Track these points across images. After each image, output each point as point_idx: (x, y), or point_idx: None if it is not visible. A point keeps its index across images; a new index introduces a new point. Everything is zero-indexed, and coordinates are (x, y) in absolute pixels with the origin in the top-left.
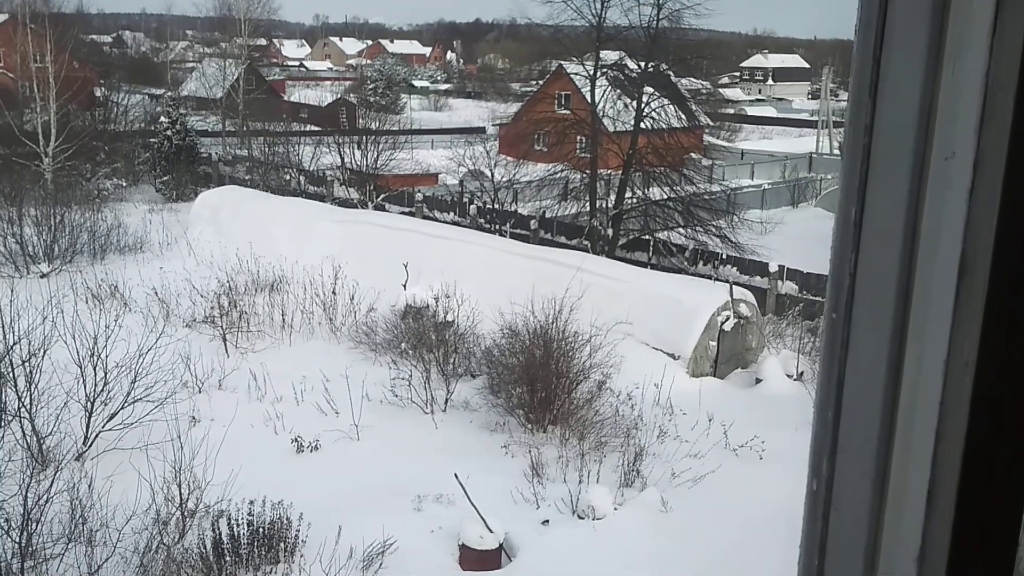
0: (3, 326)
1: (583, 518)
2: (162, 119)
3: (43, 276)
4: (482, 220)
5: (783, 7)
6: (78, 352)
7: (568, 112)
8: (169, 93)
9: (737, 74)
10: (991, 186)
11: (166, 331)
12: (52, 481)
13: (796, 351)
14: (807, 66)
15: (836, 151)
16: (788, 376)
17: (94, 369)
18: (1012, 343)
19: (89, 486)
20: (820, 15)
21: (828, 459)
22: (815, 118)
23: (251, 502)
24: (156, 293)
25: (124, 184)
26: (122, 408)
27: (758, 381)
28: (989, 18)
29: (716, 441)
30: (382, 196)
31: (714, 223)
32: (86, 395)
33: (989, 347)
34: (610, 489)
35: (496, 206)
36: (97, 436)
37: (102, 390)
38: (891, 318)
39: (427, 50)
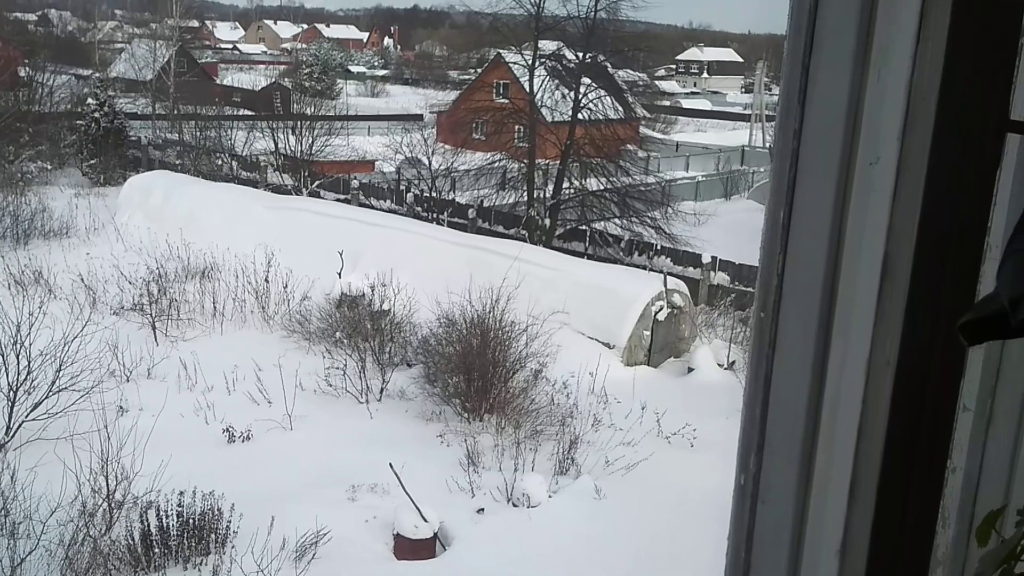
0: None
1: (518, 506)
2: (89, 101)
3: None
4: (419, 208)
5: (718, 1)
6: None
7: (506, 101)
8: (97, 74)
9: (673, 67)
10: (913, 191)
11: (93, 319)
12: None
13: (728, 341)
14: (741, 60)
15: (768, 144)
16: (719, 365)
17: (16, 357)
18: (932, 343)
19: (11, 477)
20: (754, 10)
21: (755, 454)
22: (748, 112)
23: (181, 493)
24: (82, 280)
25: (49, 167)
26: (46, 397)
27: (690, 370)
28: (913, 27)
29: (649, 429)
30: (317, 183)
31: (649, 214)
32: (8, 384)
33: (910, 347)
34: (545, 477)
35: (434, 194)
36: (20, 426)
37: (25, 379)
38: (817, 318)
39: (364, 35)
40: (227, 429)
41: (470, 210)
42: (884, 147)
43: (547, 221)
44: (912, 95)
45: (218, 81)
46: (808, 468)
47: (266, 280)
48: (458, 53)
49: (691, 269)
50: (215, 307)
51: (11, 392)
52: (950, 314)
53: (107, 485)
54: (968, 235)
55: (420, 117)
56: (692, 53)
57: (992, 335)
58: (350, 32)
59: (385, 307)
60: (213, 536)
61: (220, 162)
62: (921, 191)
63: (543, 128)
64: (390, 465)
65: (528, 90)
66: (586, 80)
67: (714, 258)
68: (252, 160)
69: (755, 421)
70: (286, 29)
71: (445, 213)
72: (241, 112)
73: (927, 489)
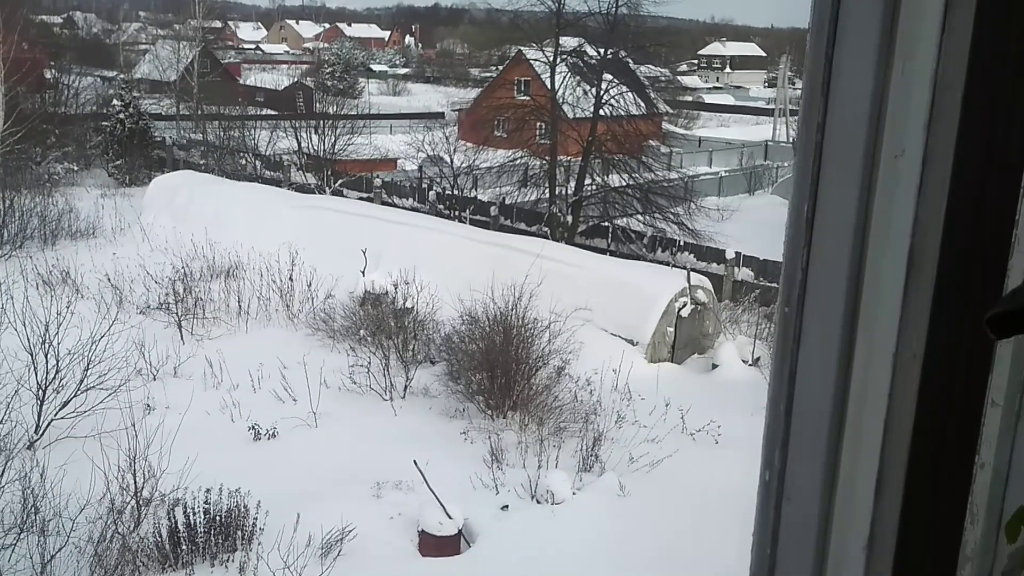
0: None
1: (542, 503)
2: (115, 102)
3: None
4: (441, 206)
5: None
6: (28, 339)
7: (528, 98)
8: (122, 75)
9: (695, 62)
10: (939, 183)
11: (119, 318)
12: (3, 470)
13: (752, 337)
14: (764, 54)
15: (792, 139)
16: (744, 362)
17: (45, 356)
18: (959, 337)
19: (41, 475)
20: (777, 4)
21: (780, 450)
22: (771, 106)
23: (208, 490)
24: (109, 279)
25: (75, 168)
26: (75, 396)
27: (714, 366)
28: (938, 18)
29: (673, 426)
30: (340, 181)
31: (672, 210)
32: (37, 383)
33: (937, 341)
34: (569, 474)
35: (455, 192)
36: (49, 424)
37: (54, 378)
38: (842, 312)
39: (385, 34)
40: (253, 427)
41: (492, 207)
42: (909, 139)
43: (569, 218)
44: (937, 86)
45: (241, 81)
46: (834, 464)
47: (290, 279)
48: (479, 51)
49: (715, 265)
50: (240, 306)
51: (40, 391)
52: (978, 307)
53: (135, 482)
54: (995, 228)
55: (442, 115)
56: (714, 48)
57: (1020, 328)
58: (371, 31)
59: (408, 305)
60: (240, 533)
61: (244, 162)
62: (947, 183)
63: (565, 125)
64: (414, 462)
65: (550, 87)
66: (608, 76)
67: (738, 254)
68: (275, 159)
69: (780, 417)
70: (308, 29)
71: (467, 211)
72: (264, 112)
73: (955, 485)
